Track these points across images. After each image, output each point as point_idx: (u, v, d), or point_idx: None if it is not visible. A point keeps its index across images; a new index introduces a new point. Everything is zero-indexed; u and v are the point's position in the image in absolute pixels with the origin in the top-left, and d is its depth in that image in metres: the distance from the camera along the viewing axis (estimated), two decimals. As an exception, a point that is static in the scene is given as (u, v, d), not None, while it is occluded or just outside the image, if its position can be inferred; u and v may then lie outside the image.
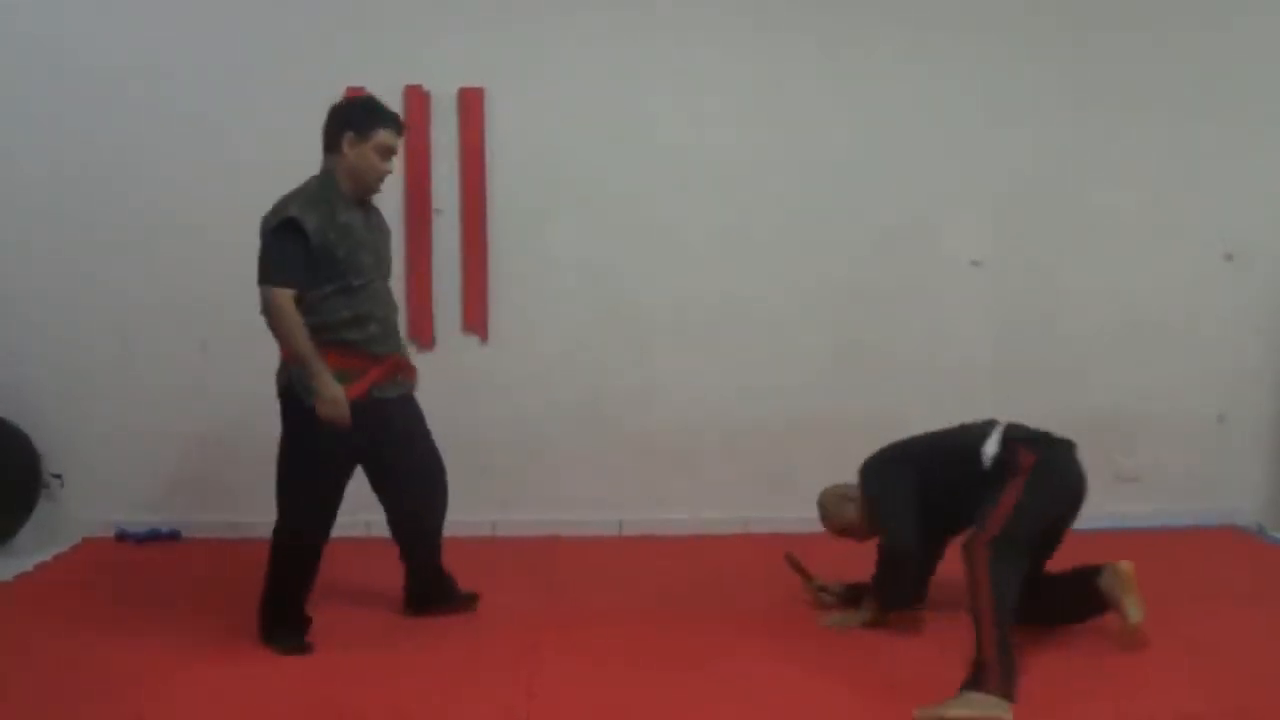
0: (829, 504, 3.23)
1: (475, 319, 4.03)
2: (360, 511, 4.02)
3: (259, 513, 4.02)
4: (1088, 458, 4.13)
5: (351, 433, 2.84)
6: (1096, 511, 4.21)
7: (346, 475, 3.02)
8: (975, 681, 2.60)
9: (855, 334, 4.07)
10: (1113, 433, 4.17)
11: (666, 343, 4.06)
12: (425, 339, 4.01)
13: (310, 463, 2.91)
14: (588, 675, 2.80)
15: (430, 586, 3.23)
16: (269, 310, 2.78)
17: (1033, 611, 2.94)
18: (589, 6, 3.95)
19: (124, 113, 3.88)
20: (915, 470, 3.07)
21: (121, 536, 3.99)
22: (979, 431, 3.04)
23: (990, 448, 2.98)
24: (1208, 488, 4.23)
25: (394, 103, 3.87)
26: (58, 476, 4.00)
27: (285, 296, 2.76)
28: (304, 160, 3.89)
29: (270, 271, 2.79)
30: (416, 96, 3.91)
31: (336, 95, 3.85)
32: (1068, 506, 3.05)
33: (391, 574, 3.58)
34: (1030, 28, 4.01)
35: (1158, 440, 4.20)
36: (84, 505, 4.01)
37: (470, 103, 3.93)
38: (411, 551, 3.20)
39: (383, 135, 2.89)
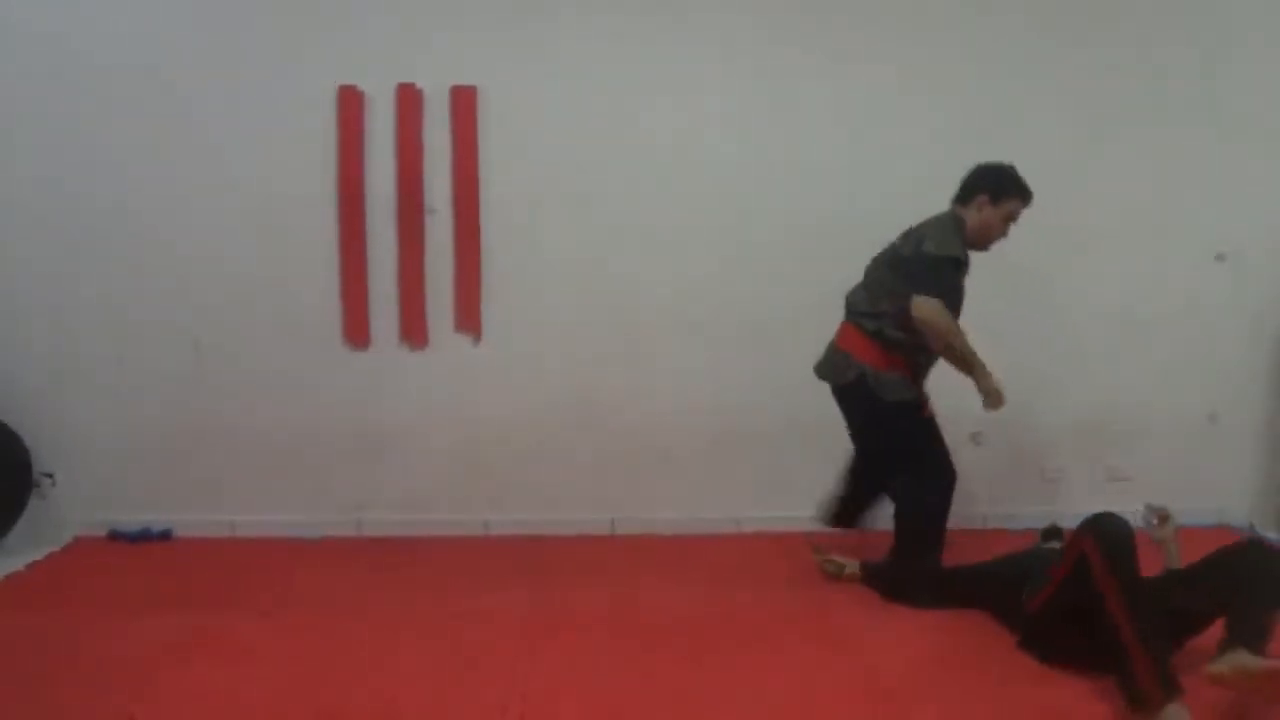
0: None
1: (468, 318, 4.02)
2: (351, 511, 4.07)
3: (251, 512, 4.05)
4: (1080, 457, 4.20)
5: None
6: (1088, 510, 4.24)
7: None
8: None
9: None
10: (1105, 432, 4.19)
11: (659, 342, 4.05)
12: (418, 338, 4.01)
13: (913, 429, 3.26)
14: (580, 674, 2.79)
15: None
16: (934, 319, 3.13)
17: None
18: (581, 4, 3.95)
19: (115, 112, 3.87)
20: None
21: (113, 536, 3.99)
22: None
23: None
24: (1200, 487, 4.23)
25: (386, 100, 3.93)
26: (49, 476, 3.99)
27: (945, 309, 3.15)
28: (297, 158, 3.93)
29: (937, 289, 3.16)
30: (409, 94, 3.91)
31: (329, 93, 3.90)
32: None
33: (385, 574, 3.58)
34: (1027, 33, 4.02)
35: (1150, 439, 4.21)
36: (76, 504, 4.00)
37: (463, 101, 3.92)
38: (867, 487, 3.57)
39: (1012, 205, 3.24)
